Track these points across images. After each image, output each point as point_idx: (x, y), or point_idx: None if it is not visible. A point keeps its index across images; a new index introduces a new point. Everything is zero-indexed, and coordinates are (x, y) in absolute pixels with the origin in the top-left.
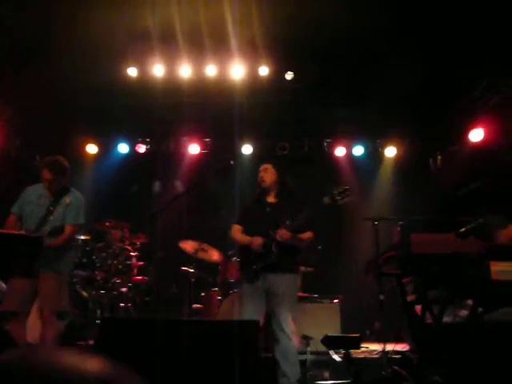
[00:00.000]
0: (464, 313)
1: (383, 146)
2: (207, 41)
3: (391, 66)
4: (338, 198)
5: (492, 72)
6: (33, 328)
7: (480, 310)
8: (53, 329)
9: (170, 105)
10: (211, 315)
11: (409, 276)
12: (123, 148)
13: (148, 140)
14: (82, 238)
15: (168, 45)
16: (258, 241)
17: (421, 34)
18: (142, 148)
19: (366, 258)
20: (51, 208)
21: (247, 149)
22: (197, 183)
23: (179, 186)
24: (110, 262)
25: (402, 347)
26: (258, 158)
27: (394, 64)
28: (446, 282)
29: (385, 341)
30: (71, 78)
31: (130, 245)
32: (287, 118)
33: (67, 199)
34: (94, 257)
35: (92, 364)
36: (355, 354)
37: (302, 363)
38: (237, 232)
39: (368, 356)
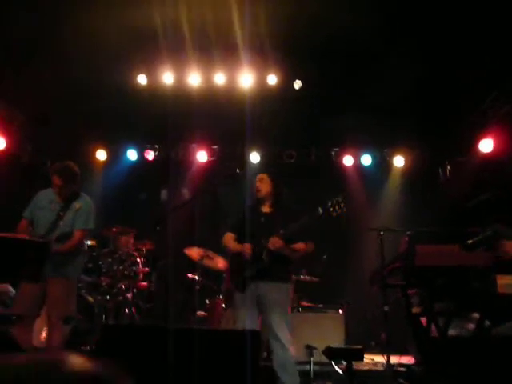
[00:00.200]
0: (471, 326)
1: (391, 156)
2: (216, 49)
3: (400, 75)
4: (332, 209)
5: (502, 82)
6: (38, 332)
7: (487, 323)
8: (59, 333)
9: (179, 112)
10: (215, 323)
11: (414, 288)
12: (132, 155)
13: (157, 147)
14: (89, 243)
15: (177, 53)
16: (247, 247)
17: (431, 43)
18: (150, 155)
19: (371, 268)
20: (61, 213)
21: (255, 157)
22: (204, 191)
23: (186, 193)
24: (115, 267)
25: (407, 360)
26: (266, 165)
27: (404, 73)
28: (452, 295)
29: (389, 353)
30: (82, 85)
31: (135, 251)
32: (295, 126)
33: (77, 204)
34: (100, 262)
35: (80, 361)
36: (359, 366)
37: (306, 374)
38: (229, 240)
39: (372, 368)
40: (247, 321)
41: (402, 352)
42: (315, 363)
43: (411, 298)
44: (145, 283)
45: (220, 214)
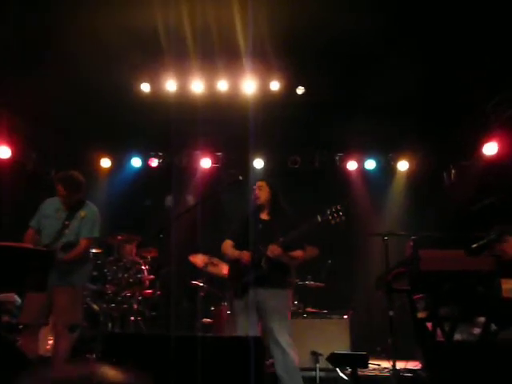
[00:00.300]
0: (476, 331)
1: (395, 160)
2: (218, 56)
3: (404, 78)
4: (330, 218)
5: (506, 85)
6: (44, 340)
7: (494, 328)
8: (66, 342)
9: (183, 119)
10: (220, 330)
11: (419, 293)
12: (136, 162)
13: (160, 154)
14: (94, 251)
15: (180, 60)
16: (246, 255)
17: (435, 46)
18: (154, 162)
19: (376, 273)
20: (67, 222)
21: (259, 163)
22: (208, 197)
23: (190, 200)
24: (120, 275)
25: (413, 365)
26: (270, 172)
27: (407, 76)
28: (457, 300)
29: (395, 358)
30: (86, 93)
31: (140, 258)
32: (298, 132)
33: (82, 213)
34: (105, 270)
35: (113, 373)
36: (366, 371)
37: (312, 380)
38: (228, 247)
39: (378, 374)
40: (246, 327)
41: (407, 357)
42: (321, 369)
43: (416, 302)
44: (150, 291)
45: (224, 220)
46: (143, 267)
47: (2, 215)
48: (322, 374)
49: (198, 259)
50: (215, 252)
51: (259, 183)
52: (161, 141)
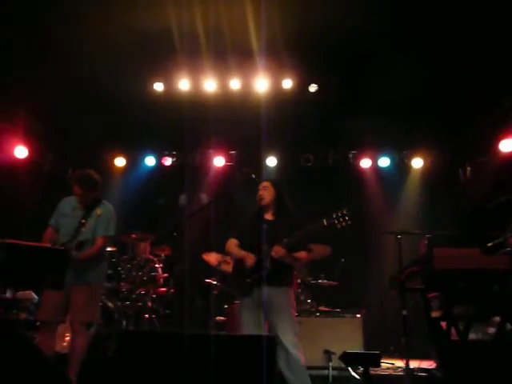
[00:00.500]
0: (491, 330)
1: (410, 157)
2: (231, 55)
3: (417, 75)
4: (336, 222)
5: None
6: (60, 337)
7: (509, 327)
8: (82, 339)
9: (196, 118)
10: (234, 328)
11: (433, 291)
12: (150, 161)
13: (174, 153)
14: (109, 249)
15: (193, 60)
16: (251, 258)
17: (448, 42)
18: (168, 161)
19: (390, 271)
20: (83, 220)
21: (272, 161)
22: (221, 196)
23: (204, 198)
24: (134, 273)
25: (427, 364)
26: (283, 170)
27: (421, 73)
28: (472, 299)
29: (409, 357)
30: (101, 94)
31: (155, 256)
32: (312, 129)
33: (98, 211)
34: (119, 268)
35: None
36: (379, 370)
37: (325, 378)
38: (233, 246)
39: (392, 373)
40: (252, 326)
41: (421, 357)
42: (334, 368)
43: (431, 301)
44: (164, 289)
45: (237, 218)
46: (157, 265)
47: (21, 215)
48: (335, 372)
49: (212, 257)
50: None
51: (264, 184)
52: (174, 140)
